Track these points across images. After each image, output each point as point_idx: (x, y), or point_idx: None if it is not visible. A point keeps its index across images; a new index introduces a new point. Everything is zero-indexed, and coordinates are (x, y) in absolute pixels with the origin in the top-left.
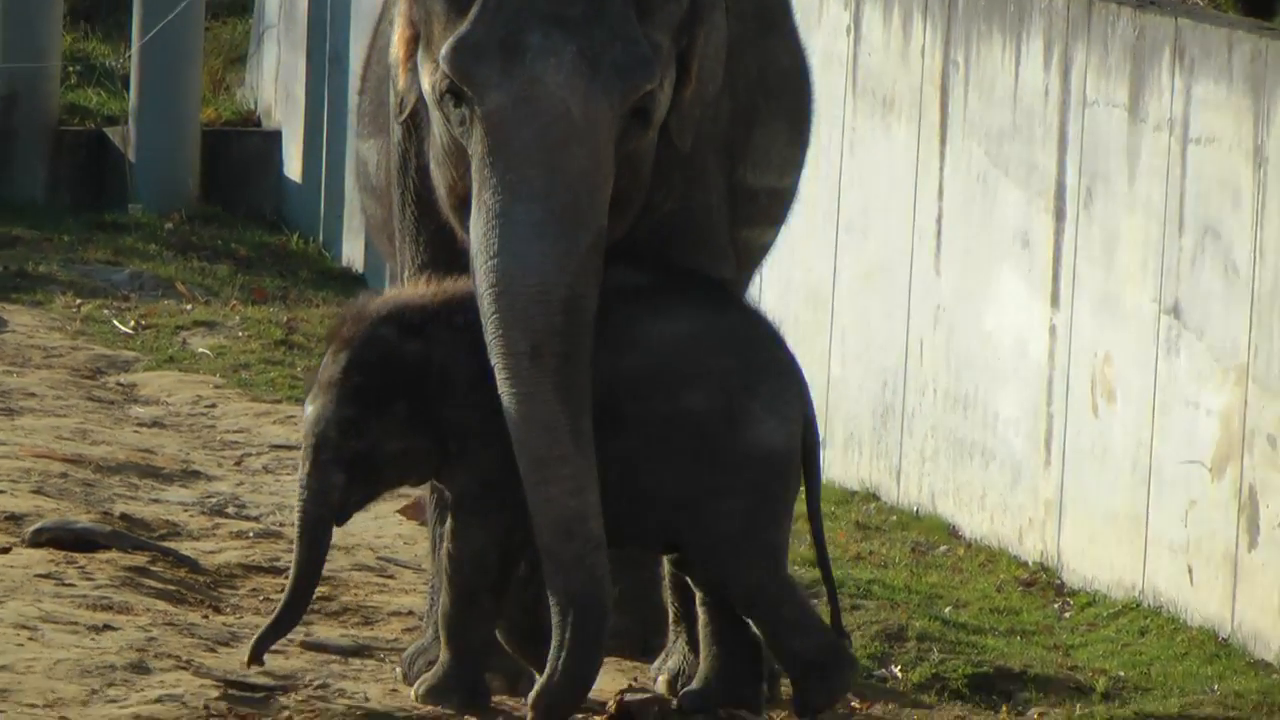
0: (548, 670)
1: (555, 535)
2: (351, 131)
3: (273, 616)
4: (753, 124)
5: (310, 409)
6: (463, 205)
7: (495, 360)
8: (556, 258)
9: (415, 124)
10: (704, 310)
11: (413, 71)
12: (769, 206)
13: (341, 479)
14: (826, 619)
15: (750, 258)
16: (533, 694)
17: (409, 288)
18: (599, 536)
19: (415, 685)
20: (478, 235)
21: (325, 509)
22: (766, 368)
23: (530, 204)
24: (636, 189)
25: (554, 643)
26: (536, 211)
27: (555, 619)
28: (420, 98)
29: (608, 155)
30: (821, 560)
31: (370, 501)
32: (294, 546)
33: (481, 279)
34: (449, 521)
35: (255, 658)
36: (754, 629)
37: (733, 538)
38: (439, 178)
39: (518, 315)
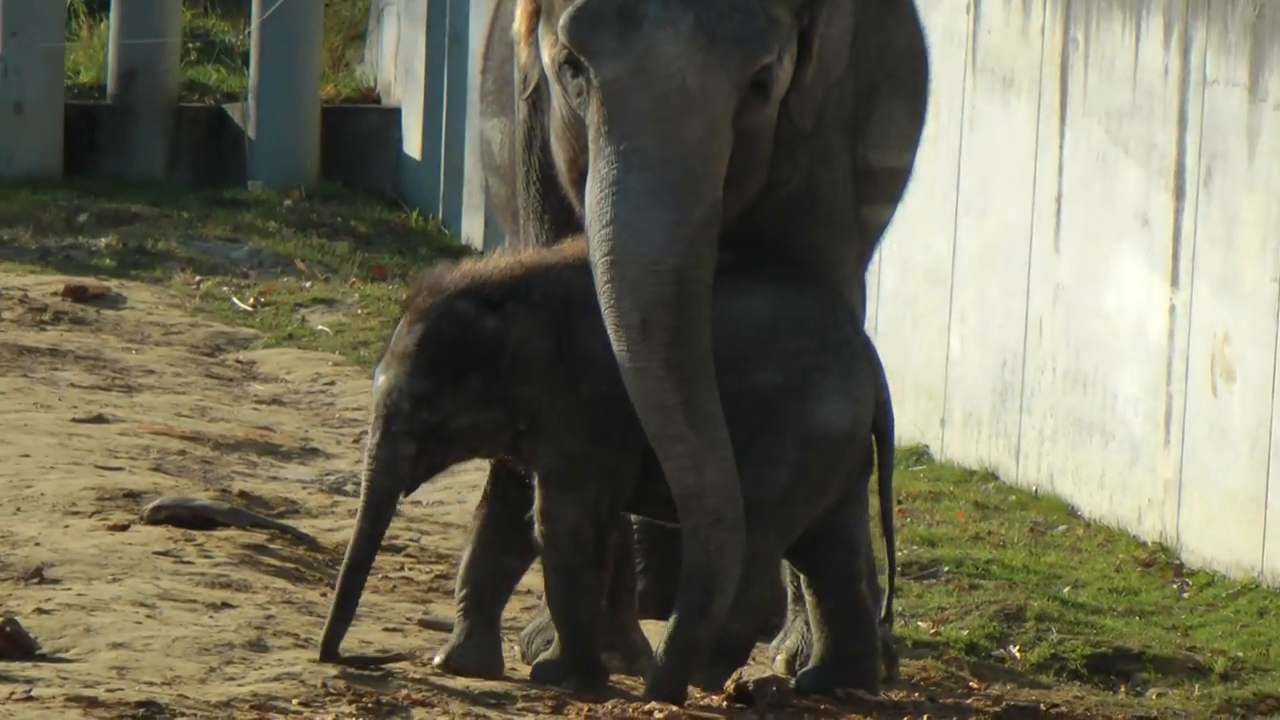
0: (661, 645)
1: (680, 509)
2: (471, 108)
3: (336, 589)
4: (873, 103)
5: (382, 379)
6: (582, 179)
7: (609, 331)
8: (669, 228)
9: (538, 102)
10: (780, 290)
11: (535, 46)
12: (888, 185)
13: (411, 451)
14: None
15: (869, 236)
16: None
17: (486, 260)
18: (717, 512)
19: (532, 665)
20: (591, 204)
21: (393, 480)
22: (840, 349)
23: (644, 173)
24: (754, 166)
25: (674, 616)
26: (650, 181)
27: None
28: (542, 73)
29: (724, 127)
30: (889, 542)
31: (437, 473)
32: (359, 518)
33: (594, 248)
34: (537, 502)
35: (329, 654)
36: (868, 610)
37: (761, 505)
38: (558, 151)
39: (629, 286)
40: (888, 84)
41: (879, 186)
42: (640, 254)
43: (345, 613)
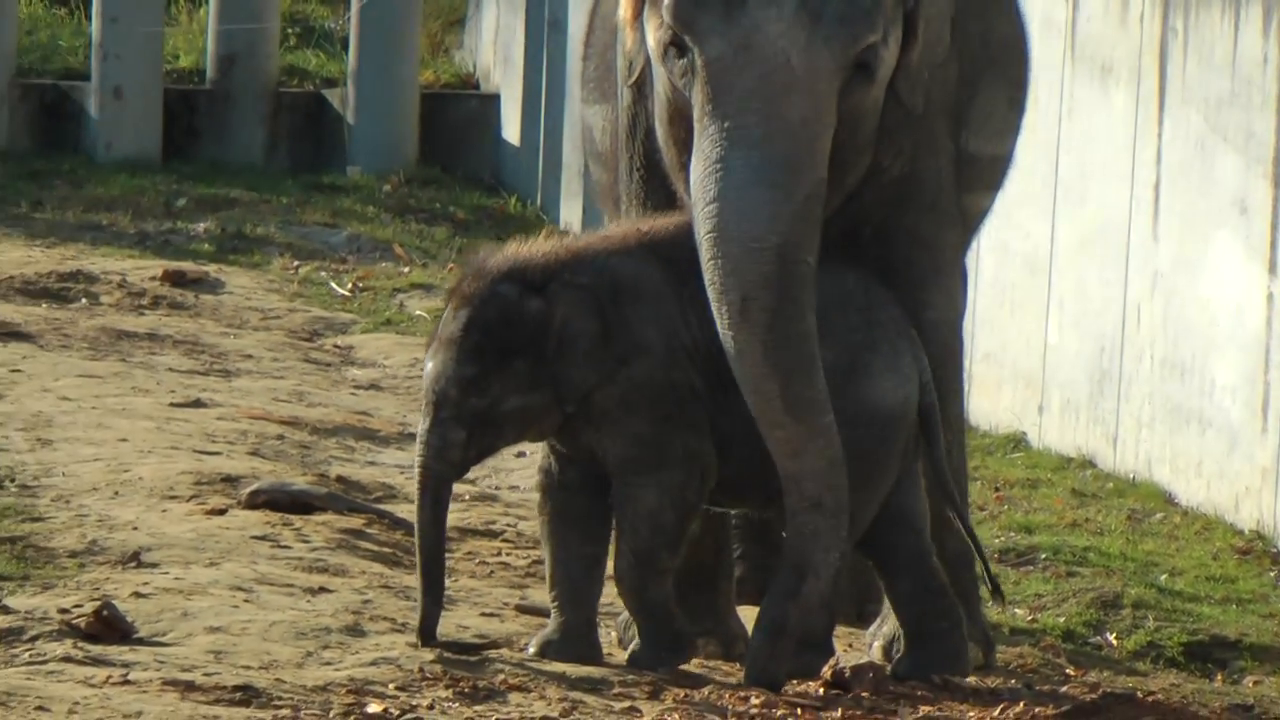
0: (755, 629)
1: (783, 488)
2: (569, 95)
3: (420, 585)
4: (975, 90)
5: (430, 365)
6: (687, 165)
7: (713, 309)
8: (771, 206)
9: (642, 88)
10: (826, 269)
11: (640, 31)
12: (989, 172)
13: (461, 436)
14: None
15: (970, 223)
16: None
17: (531, 243)
18: (815, 498)
19: (627, 656)
20: (696, 182)
21: (445, 466)
22: (887, 326)
23: (748, 151)
24: (858, 148)
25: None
26: (754, 159)
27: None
28: (647, 59)
29: (828, 106)
30: (964, 521)
31: (489, 456)
32: (417, 507)
33: (698, 226)
34: (615, 487)
35: (426, 639)
36: (944, 584)
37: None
38: (664, 136)
39: (731, 264)
40: (990, 72)
41: (980, 174)
42: (743, 231)
43: (435, 598)
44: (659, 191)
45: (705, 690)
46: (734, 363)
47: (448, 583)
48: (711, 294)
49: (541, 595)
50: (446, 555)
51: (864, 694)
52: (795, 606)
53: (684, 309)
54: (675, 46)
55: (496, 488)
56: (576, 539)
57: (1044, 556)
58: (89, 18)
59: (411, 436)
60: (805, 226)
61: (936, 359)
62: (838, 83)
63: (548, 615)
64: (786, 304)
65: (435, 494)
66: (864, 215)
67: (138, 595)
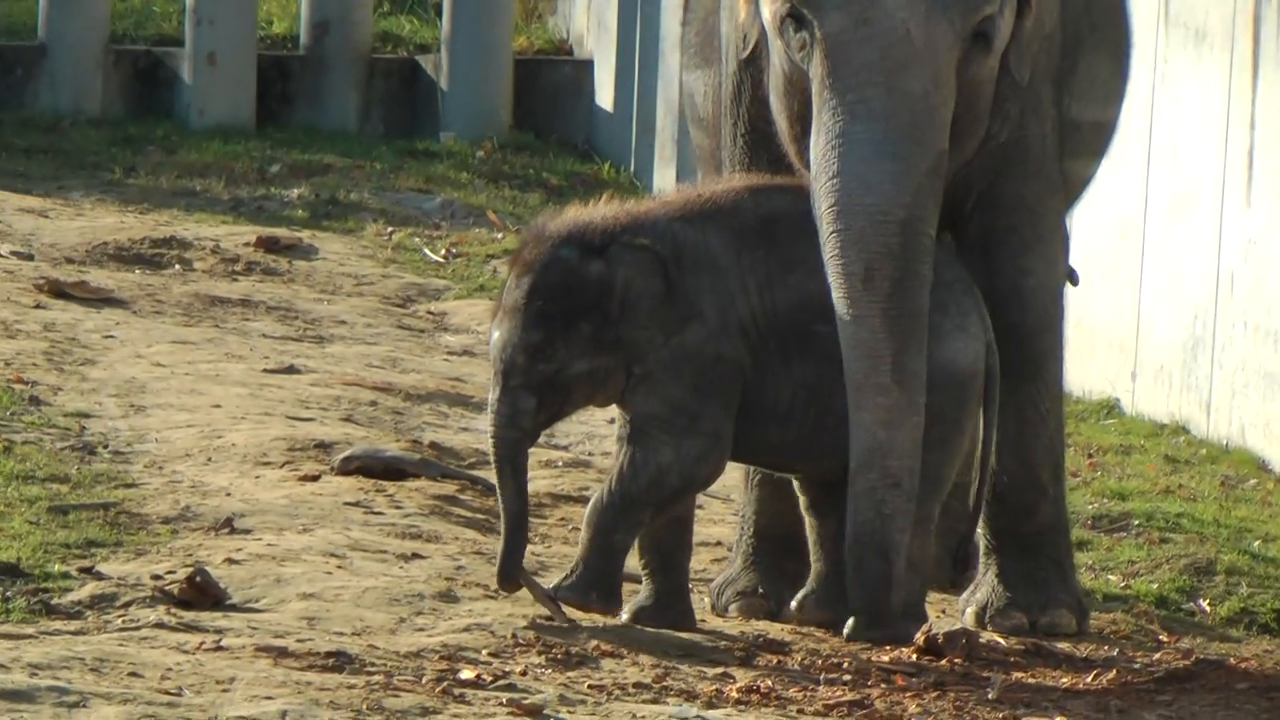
0: (851, 619)
1: (856, 462)
2: (663, 61)
3: (501, 551)
4: (1078, 56)
5: (496, 334)
6: (802, 136)
7: (832, 280)
8: (895, 178)
9: (753, 58)
10: None
11: (754, 3)
12: (1092, 138)
13: (532, 403)
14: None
15: (1073, 190)
16: (846, 629)
17: (591, 206)
18: (898, 476)
19: (555, 589)
20: (817, 156)
21: (518, 433)
22: (953, 286)
23: (870, 124)
24: (976, 118)
25: (848, 586)
26: (876, 132)
27: (846, 558)
28: (762, 30)
29: (948, 78)
30: (980, 482)
31: (559, 420)
32: (496, 475)
33: (821, 199)
34: (628, 437)
35: (510, 588)
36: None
37: None
38: (779, 108)
39: (854, 235)
40: (1092, 37)
41: (1084, 140)
42: (868, 204)
43: (517, 555)
44: (763, 157)
45: (798, 655)
46: (847, 328)
47: (541, 548)
48: (832, 265)
49: (634, 560)
50: (540, 521)
51: (956, 660)
52: (887, 590)
53: (743, 279)
54: (793, 19)
55: (590, 454)
56: None
57: (1137, 523)
58: None
59: None
60: (927, 199)
61: (1036, 326)
62: (957, 54)
63: (640, 581)
64: (908, 276)
65: (512, 462)
66: (969, 182)
67: (231, 561)
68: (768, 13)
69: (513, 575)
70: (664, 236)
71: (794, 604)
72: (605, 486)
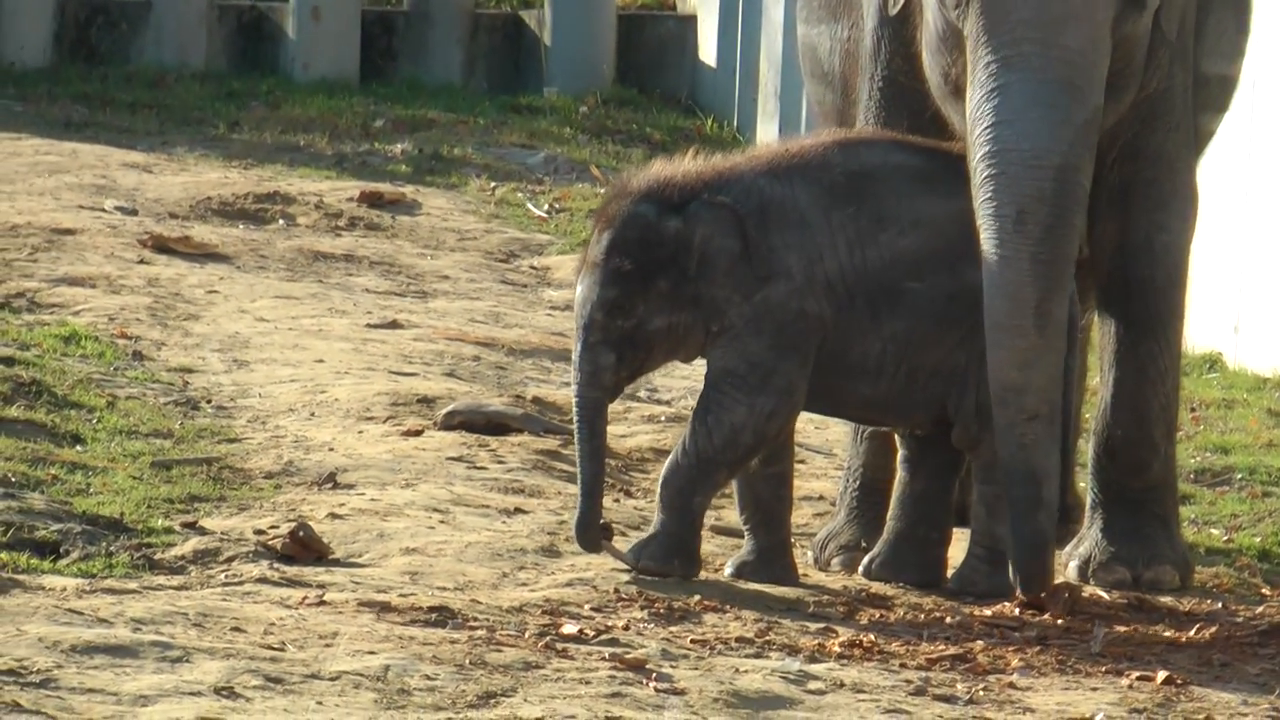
0: (1014, 549)
1: (995, 401)
2: (765, 15)
3: (577, 511)
4: (1208, 11)
5: (580, 289)
6: (957, 93)
7: (981, 223)
8: (1051, 125)
9: (901, 11)
10: (963, 180)
11: None
12: (1219, 93)
13: (611, 359)
14: None
15: (1201, 145)
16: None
17: (676, 162)
18: (1037, 407)
19: (636, 557)
20: (973, 109)
21: (600, 390)
22: None
23: (1026, 74)
24: (1131, 73)
25: (1009, 526)
26: (1032, 82)
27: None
28: None
29: (1103, 35)
30: (1065, 434)
31: (641, 376)
32: (575, 434)
33: (975, 148)
34: (705, 391)
35: (592, 549)
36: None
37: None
38: (933, 65)
39: (1009, 179)
40: None
41: (1212, 95)
42: (1023, 149)
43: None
44: (901, 113)
45: (900, 610)
46: (994, 266)
47: (645, 503)
48: (984, 208)
49: (735, 516)
50: (644, 476)
51: (1059, 614)
52: (1045, 513)
53: (832, 235)
54: None
55: (691, 409)
56: (760, 460)
57: (1239, 477)
58: None
59: None
60: (1083, 148)
61: (1165, 282)
62: (1113, 11)
63: (743, 536)
64: (1060, 223)
65: (591, 421)
66: (1114, 133)
67: (333, 516)
68: None
69: (594, 537)
70: (748, 193)
71: (861, 565)
72: (680, 448)
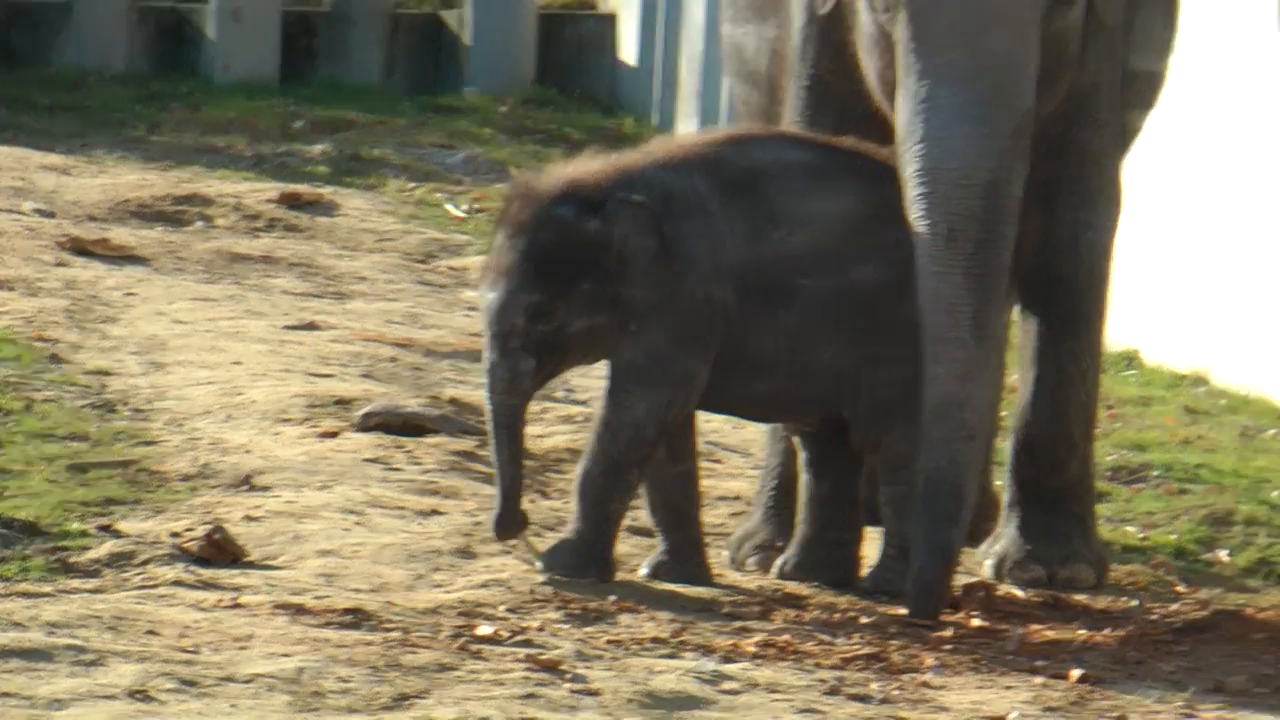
0: (912, 558)
1: (931, 413)
2: (686, 14)
3: (495, 514)
4: (1137, 6)
5: (492, 296)
6: (892, 91)
7: (916, 240)
8: (979, 141)
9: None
10: (869, 184)
11: None
12: (1147, 90)
13: (531, 365)
14: None
15: (1128, 143)
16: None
17: (577, 163)
18: (973, 428)
19: (550, 564)
20: (903, 121)
21: (518, 396)
22: None
23: (954, 87)
24: (1064, 67)
25: (914, 530)
26: (959, 95)
27: (917, 502)
28: None
29: (1031, 36)
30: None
31: (554, 378)
32: (493, 441)
33: (906, 163)
34: (607, 387)
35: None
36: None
37: (890, 405)
38: (868, 64)
39: (939, 199)
40: None
41: (1140, 91)
42: (951, 169)
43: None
44: (828, 113)
45: (814, 610)
46: (928, 282)
47: (558, 504)
48: (917, 225)
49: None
50: (559, 477)
51: (973, 613)
52: (958, 532)
53: (731, 225)
54: None
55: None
56: (666, 459)
57: (1155, 474)
58: None
59: None
60: (1013, 160)
61: (1088, 280)
62: (1040, 10)
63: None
64: (992, 237)
65: (510, 429)
66: (1043, 128)
67: (249, 519)
68: None
69: (514, 534)
70: (653, 186)
71: (774, 568)
72: (589, 456)
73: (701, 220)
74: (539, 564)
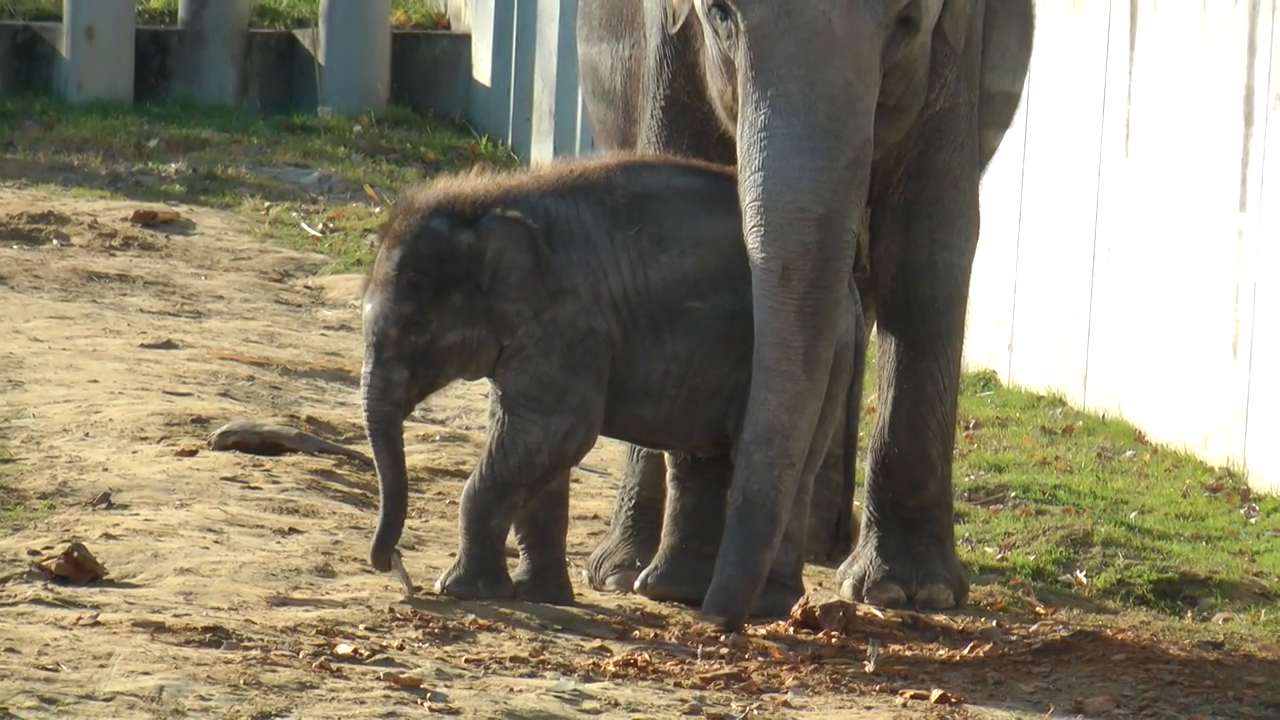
0: (723, 572)
1: (756, 437)
2: (540, 35)
3: (380, 522)
4: (991, 26)
5: (369, 307)
6: (735, 117)
7: (752, 273)
8: (814, 175)
9: (680, 30)
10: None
11: None
12: (1003, 111)
13: (405, 375)
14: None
15: (984, 163)
16: (709, 593)
17: (461, 178)
18: (796, 456)
19: (442, 583)
20: (741, 151)
21: (392, 405)
22: None
23: (790, 119)
24: (912, 95)
25: (724, 543)
26: (796, 127)
27: (730, 519)
28: (693, 8)
29: (870, 67)
30: (848, 454)
31: (432, 393)
32: (372, 448)
33: (743, 194)
34: (499, 415)
35: (382, 564)
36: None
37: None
38: (713, 89)
39: (774, 232)
40: (1004, 8)
41: (995, 112)
42: (786, 201)
43: (395, 529)
44: (684, 132)
45: (676, 629)
46: (762, 315)
47: (419, 523)
48: (752, 258)
49: (512, 535)
50: (418, 496)
51: (833, 633)
52: (770, 555)
53: (615, 254)
54: (719, 8)
55: (467, 428)
56: None
57: (1014, 495)
58: None
59: None
60: (848, 193)
61: (946, 301)
62: (880, 42)
63: (518, 555)
64: (826, 273)
65: (386, 435)
66: (900, 151)
67: (108, 537)
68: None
69: (389, 549)
70: (535, 210)
71: (638, 581)
72: (477, 472)
73: (582, 250)
74: (404, 585)
